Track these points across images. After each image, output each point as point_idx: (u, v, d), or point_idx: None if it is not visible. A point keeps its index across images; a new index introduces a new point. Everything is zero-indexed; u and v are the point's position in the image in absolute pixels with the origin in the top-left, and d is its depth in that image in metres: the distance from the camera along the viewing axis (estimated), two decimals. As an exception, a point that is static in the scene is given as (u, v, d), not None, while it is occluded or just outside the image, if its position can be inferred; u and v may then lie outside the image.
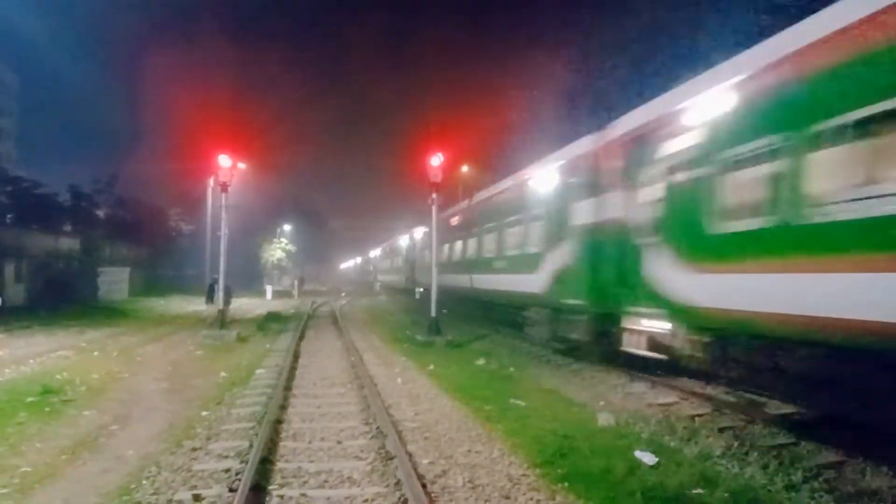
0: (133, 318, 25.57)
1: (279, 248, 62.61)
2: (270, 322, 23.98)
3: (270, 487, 5.88)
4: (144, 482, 6.07)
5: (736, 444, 7.53)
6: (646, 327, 10.66)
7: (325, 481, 6.10)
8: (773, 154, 7.39)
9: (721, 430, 8.17)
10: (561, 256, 13.74)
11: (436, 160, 18.01)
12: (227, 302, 21.47)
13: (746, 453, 7.18)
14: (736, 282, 8.01)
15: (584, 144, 13.35)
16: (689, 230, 9.14)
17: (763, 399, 9.28)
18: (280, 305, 34.95)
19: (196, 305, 31.24)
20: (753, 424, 8.36)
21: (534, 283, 15.20)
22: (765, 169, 7.54)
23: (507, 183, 19.46)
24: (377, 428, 7.90)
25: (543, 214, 15.16)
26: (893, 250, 5.83)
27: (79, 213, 41.62)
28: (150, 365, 13.55)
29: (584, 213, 12.62)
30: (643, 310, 10.48)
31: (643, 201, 10.50)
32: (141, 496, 5.73)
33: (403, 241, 46.28)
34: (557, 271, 13.96)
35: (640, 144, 10.64)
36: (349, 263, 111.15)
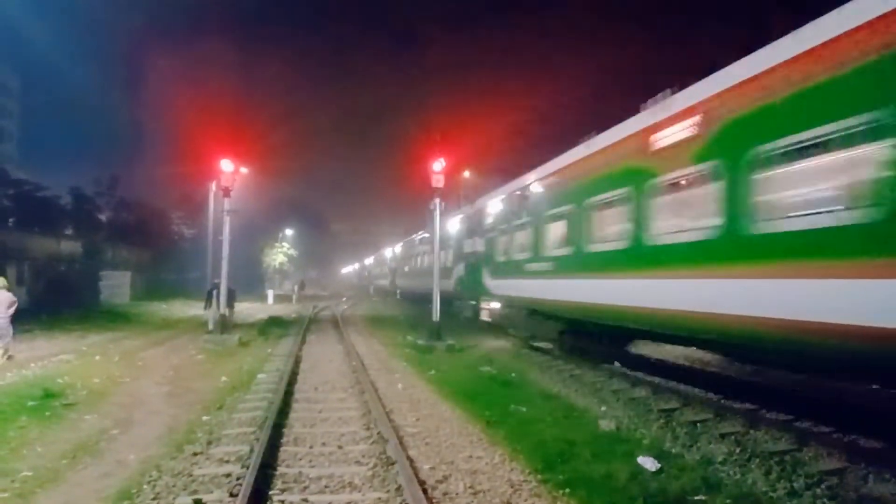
0: (135, 322, 25.57)
1: (281, 252, 62.66)
2: (272, 327, 23.99)
3: (272, 492, 5.87)
4: (145, 487, 6.07)
5: (738, 449, 7.51)
6: (487, 307, 20.10)
7: (327, 486, 6.09)
8: (510, 229, 17.22)
9: (723, 435, 8.15)
10: (458, 270, 25.21)
11: (438, 165, 18.04)
12: (231, 305, 21.69)
13: (748, 459, 7.16)
14: (509, 283, 17.09)
15: (466, 210, 25.65)
16: (493, 259, 18.89)
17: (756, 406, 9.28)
18: (281, 310, 34.93)
19: (198, 310, 31.17)
20: (755, 430, 8.34)
21: (448, 284, 24.95)
22: (511, 236, 17.12)
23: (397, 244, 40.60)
24: (378, 433, 7.90)
25: (452, 245, 27.01)
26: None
27: (80, 215, 41.70)
28: (152, 369, 13.55)
29: (467, 247, 23.44)
30: (485, 297, 20.04)
31: (482, 243, 20.56)
32: (142, 501, 5.73)
33: (388, 252, 58.66)
34: (458, 278, 25.29)
35: (479, 216, 21.14)
36: (351, 268, 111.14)
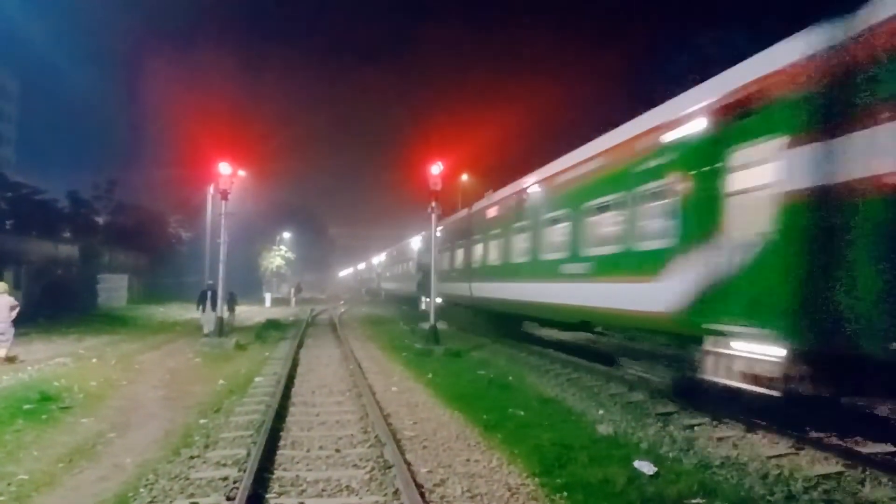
0: (132, 326, 25.55)
1: (278, 255, 62.64)
2: (269, 330, 23.98)
3: (268, 496, 5.86)
4: (142, 490, 6.05)
5: (735, 453, 7.52)
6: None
7: (324, 490, 6.08)
8: (443, 249, 25.58)
9: (720, 439, 8.16)
10: (418, 277, 32.93)
11: (436, 168, 18.07)
12: (231, 309, 22.11)
13: (745, 463, 7.16)
14: (444, 286, 23.71)
15: (424, 234, 31.39)
16: (448, 269, 25.43)
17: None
18: (279, 313, 34.91)
19: (196, 313, 31.15)
20: (752, 434, 8.35)
21: (412, 287, 35.17)
22: (446, 254, 25.83)
23: (399, 245, 46.76)
24: (375, 437, 7.89)
25: (415, 258, 35.91)
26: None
27: (78, 219, 41.64)
28: (149, 372, 13.53)
29: (424, 259, 29.76)
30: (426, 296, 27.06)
31: (445, 257, 26.19)
32: (138, 504, 5.71)
33: (375, 259, 66.89)
34: (417, 283, 32.74)
35: (443, 234, 25.87)
36: (348, 271, 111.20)
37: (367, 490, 6.09)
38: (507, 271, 17.26)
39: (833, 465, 7.05)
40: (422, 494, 5.79)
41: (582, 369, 13.40)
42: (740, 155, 8.00)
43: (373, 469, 6.68)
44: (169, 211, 52.41)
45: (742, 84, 8.08)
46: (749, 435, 8.32)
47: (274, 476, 6.42)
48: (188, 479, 6.35)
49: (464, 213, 25.33)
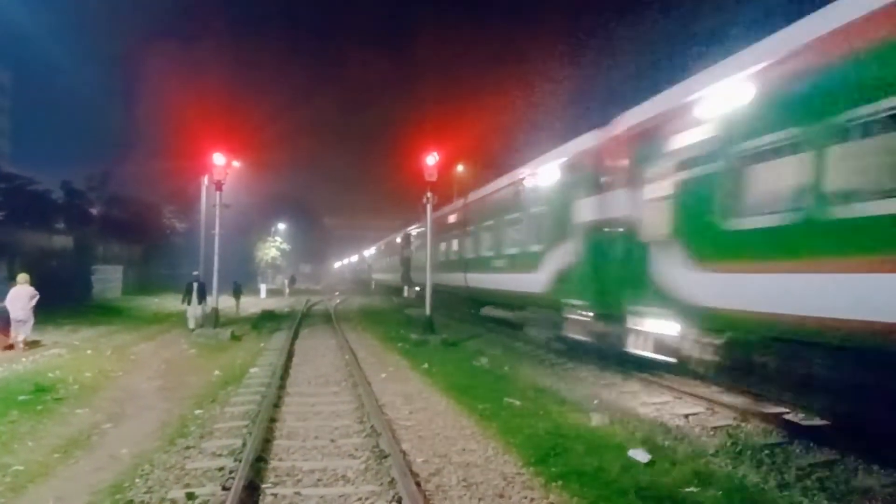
0: (127, 317, 25.47)
1: (273, 246, 62.48)
2: (265, 321, 23.97)
3: (264, 486, 5.87)
4: (137, 480, 6.05)
5: (729, 442, 7.57)
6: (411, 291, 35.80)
7: (319, 480, 6.09)
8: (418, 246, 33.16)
9: (714, 428, 8.21)
10: (401, 268, 37.05)
11: (431, 159, 18.01)
12: (237, 298, 22.98)
13: (740, 452, 7.21)
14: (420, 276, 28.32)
15: (405, 231, 37.67)
16: (413, 263, 34.32)
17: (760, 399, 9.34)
18: (274, 304, 34.87)
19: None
20: (746, 423, 8.40)
21: (396, 277, 39.00)
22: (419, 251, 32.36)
23: (387, 239, 51.07)
24: (371, 426, 7.90)
25: (399, 252, 38.41)
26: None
27: (72, 210, 41.36)
28: (144, 363, 13.51)
29: (405, 254, 35.90)
30: (410, 284, 35.80)
31: (409, 252, 35.22)
32: (134, 494, 5.71)
33: (366, 252, 68.16)
34: (401, 273, 36.62)
35: (406, 238, 36.12)
36: (344, 262, 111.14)
37: (363, 479, 6.10)
38: (462, 265, 22.71)
39: (826, 454, 7.11)
40: (417, 484, 5.81)
41: (577, 359, 13.45)
42: (563, 198, 13.43)
43: (368, 459, 6.69)
44: (163, 202, 52.15)
45: (569, 156, 13.83)
46: (743, 424, 8.37)
47: (270, 466, 6.43)
48: (184, 469, 6.35)
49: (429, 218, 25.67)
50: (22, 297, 14.76)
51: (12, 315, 14.65)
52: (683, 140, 9.02)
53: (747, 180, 7.74)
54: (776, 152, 7.23)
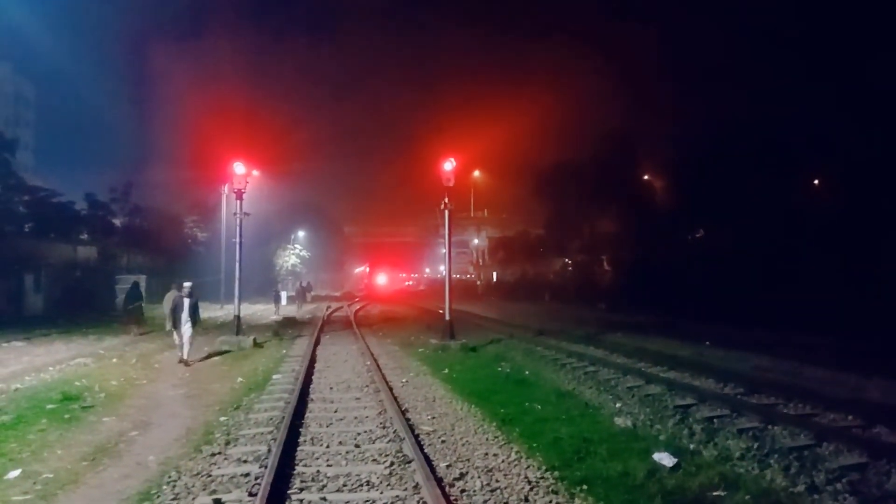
0: (150, 326, 25.75)
1: (293, 254, 62.89)
2: (286, 328, 24.11)
3: (290, 491, 5.90)
4: (165, 487, 6.11)
5: (756, 445, 7.46)
6: None
7: (344, 485, 6.11)
8: None
9: (740, 431, 8.09)
10: None
11: (448, 165, 18.05)
12: (304, 299, 23.52)
13: (767, 455, 7.10)
14: None
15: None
16: None
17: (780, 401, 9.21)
18: (294, 311, 35.09)
19: (210, 312, 31.37)
20: (773, 426, 8.28)
21: None
22: None
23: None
24: (394, 431, 7.92)
25: None
26: None
27: (95, 221, 41.96)
28: (168, 371, 13.66)
29: None
30: None
31: None
32: (161, 501, 5.78)
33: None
34: None
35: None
36: (362, 269, 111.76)
37: (388, 485, 6.11)
38: None
39: (857, 457, 6.97)
40: (442, 489, 5.80)
41: (598, 363, 13.35)
42: None
43: (392, 464, 6.70)
44: (185, 212, 52.71)
45: None
46: (770, 427, 8.25)
47: (295, 472, 6.47)
48: (210, 475, 6.41)
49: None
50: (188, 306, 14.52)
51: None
52: None
53: None
54: None
